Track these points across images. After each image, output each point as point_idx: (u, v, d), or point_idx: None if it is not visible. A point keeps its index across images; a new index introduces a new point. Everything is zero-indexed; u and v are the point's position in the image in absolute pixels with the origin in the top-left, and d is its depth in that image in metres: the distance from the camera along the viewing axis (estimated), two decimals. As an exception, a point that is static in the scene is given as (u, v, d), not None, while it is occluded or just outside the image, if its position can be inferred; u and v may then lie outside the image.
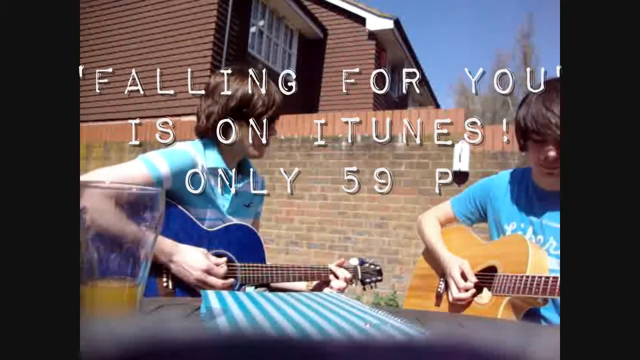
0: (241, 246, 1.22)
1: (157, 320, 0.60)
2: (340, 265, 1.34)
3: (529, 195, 1.27)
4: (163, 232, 1.11)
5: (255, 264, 1.21)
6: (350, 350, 0.24)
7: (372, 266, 1.43)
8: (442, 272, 1.41)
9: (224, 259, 1.16)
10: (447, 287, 1.38)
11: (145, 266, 0.49)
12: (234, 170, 1.27)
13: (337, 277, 1.30)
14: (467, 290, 1.23)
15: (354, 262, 1.37)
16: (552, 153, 1.12)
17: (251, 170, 1.33)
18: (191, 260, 1.09)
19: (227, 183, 1.22)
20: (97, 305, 0.46)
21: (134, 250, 0.47)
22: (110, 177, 1.04)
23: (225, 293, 0.73)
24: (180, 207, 1.15)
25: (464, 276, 1.24)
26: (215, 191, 1.23)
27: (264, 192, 1.37)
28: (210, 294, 0.71)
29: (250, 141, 1.22)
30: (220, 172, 1.21)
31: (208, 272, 1.11)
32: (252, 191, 1.27)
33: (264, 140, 1.24)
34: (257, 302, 0.67)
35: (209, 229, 1.19)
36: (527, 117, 1.13)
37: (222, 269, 1.14)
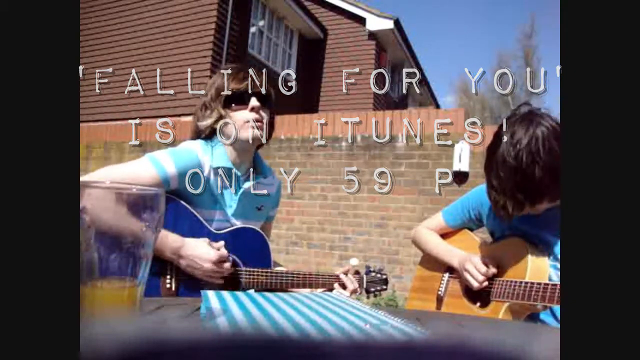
0: (247, 250, 1.20)
1: (157, 320, 0.60)
2: (346, 273, 1.30)
3: None
4: (171, 231, 1.10)
5: (260, 269, 1.19)
6: (350, 350, 0.24)
7: (379, 275, 1.41)
8: (442, 273, 1.41)
9: (222, 243, 1.15)
10: (446, 290, 1.38)
11: (146, 266, 0.49)
12: (242, 168, 1.22)
13: (344, 286, 1.27)
14: (486, 276, 1.20)
15: (354, 261, 1.36)
16: (528, 210, 1.09)
17: (267, 170, 1.30)
18: (201, 252, 1.09)
19: (227, 182, 1.18)
20: (97, 305, 0.46)
21: (134, 250, 0.47)
22: (117, 176, 1.04)
23: (225, 293, 0.73)
24: (189, 208, 1.14)
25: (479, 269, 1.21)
26: (221, 191, 1.20)
27: (263, 192, 1.27)
28: (210, 293, 0.72)
29: (235, 127, 1.17)
30: (220, 171, 1.17)
31: (219, 262, 1.10)
32: (258, 191, 1.23)
33: (242, 117, 1.17)
34: (257, 302, 0.67)
35: (217, 231, 1.17)
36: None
37: (224, 252, 1.13)
